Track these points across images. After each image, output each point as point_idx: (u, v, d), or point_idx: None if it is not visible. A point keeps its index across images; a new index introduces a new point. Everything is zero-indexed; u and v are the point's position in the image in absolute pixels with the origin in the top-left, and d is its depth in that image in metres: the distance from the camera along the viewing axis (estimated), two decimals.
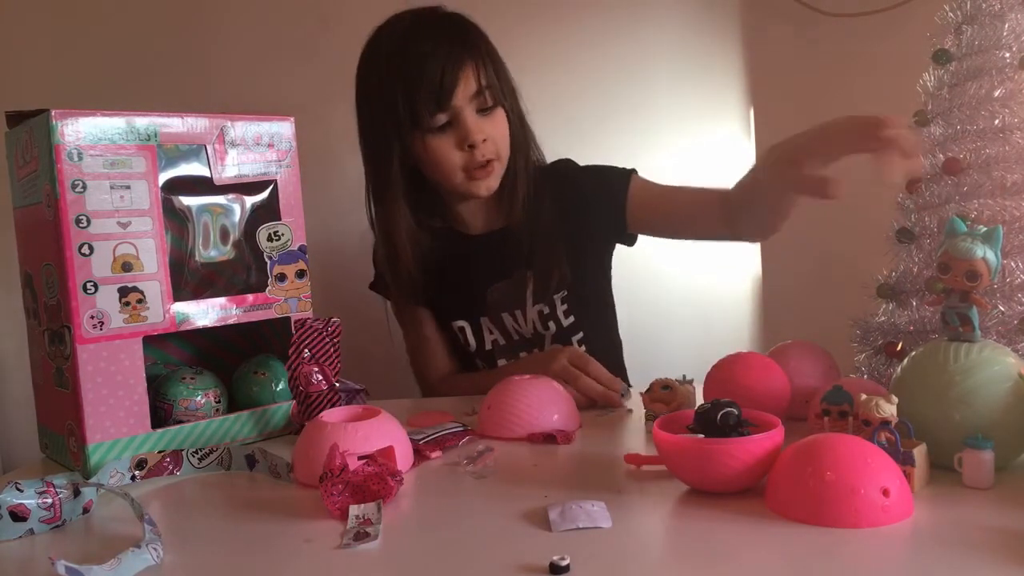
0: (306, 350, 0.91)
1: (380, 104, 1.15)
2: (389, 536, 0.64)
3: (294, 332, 0.92)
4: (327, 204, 1.46)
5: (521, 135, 1.20)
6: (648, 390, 0.94)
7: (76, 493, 0.70)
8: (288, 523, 0.69)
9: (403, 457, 0.78)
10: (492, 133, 1.15)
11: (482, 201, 1.23)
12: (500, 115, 1.16)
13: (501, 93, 1.16)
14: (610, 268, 1.32)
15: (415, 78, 1.10)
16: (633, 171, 1.27)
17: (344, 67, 1.46)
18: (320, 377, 0.91)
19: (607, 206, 1.25)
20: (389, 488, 0.69)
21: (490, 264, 1.22)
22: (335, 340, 0.92)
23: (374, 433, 0.77)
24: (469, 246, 1.27)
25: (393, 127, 1.14)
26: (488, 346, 1.27)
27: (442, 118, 1.12)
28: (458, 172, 1.16)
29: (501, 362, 1.27)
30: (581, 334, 1.27)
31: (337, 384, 0.93)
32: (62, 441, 0.89)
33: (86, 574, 0.55)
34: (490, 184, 1.18)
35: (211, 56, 1.43)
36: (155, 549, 0.61)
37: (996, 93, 0.91)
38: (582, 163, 1.31)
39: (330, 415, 0.82)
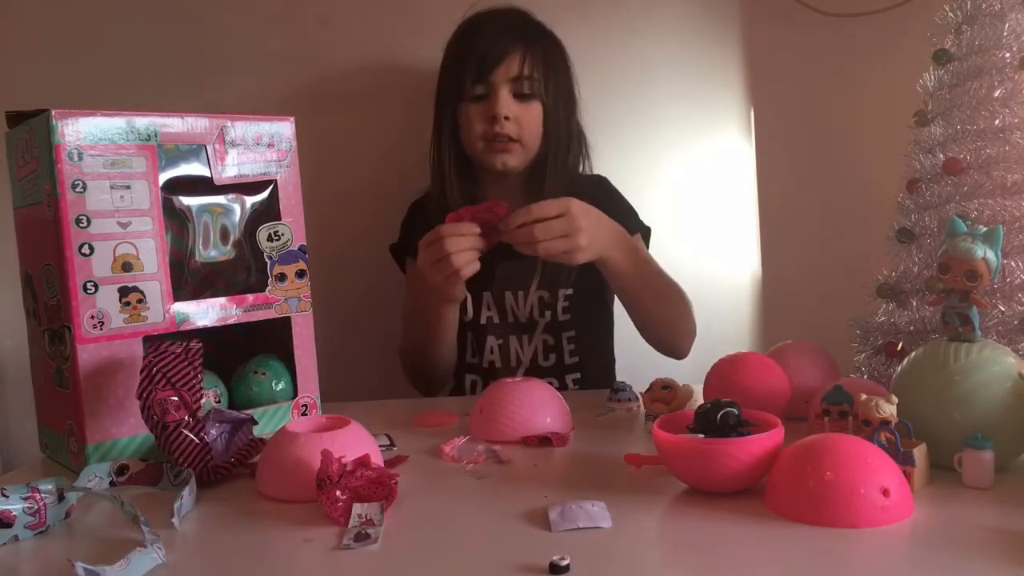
0: (159, 375, 0.79)
1: (443, 74, 1.29)
2: (389, 536, 0.64)
3: (145, 355, 0.82)
4: (327, 204, 1.45)
5: (560, 134, 1.26)
6: (648, 390, 0.94)
7: (60, 498, 0.70)
8: (288, 523, 0.69)
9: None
10: (521, 117, 1.23)
11: (511, 187, 1.28)
12: (535, 107, 1.24)
13: (544, 88, 1.23)
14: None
15: (468, 52, 1.23)
16: (644, 231, 1.31)
17: (344, 67, 1.47)
18: (179, 404, 0.79)
19: None
20: (392, 491, 0.69)
21: (505, 247, 1.22)
22: (195, 364, 0.82)
23: (350, 442, 0.75)
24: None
25: (448, 94, 1.27)
26: (483, 320, 1.29)
27: (479, 89, 1.22)
28: (479, 141, 1.25)
29: (490, 340, 1.29)
30: (573, 332, 1.29)
31: (214, 411, 0.85)
32: (62, 441, 0.89)
33: (101, 574, 0.56)
34: (506, 160, 1.24)
35: (211, 56, 1.43)
36: (159, 549, 0.61)
37: (996, 93, 0.91)
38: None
39: (296, 426, 0.79)
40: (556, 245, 1.01)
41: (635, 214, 1.32)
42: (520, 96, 1.23)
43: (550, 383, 1.26)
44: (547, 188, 1.24)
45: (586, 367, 1.30)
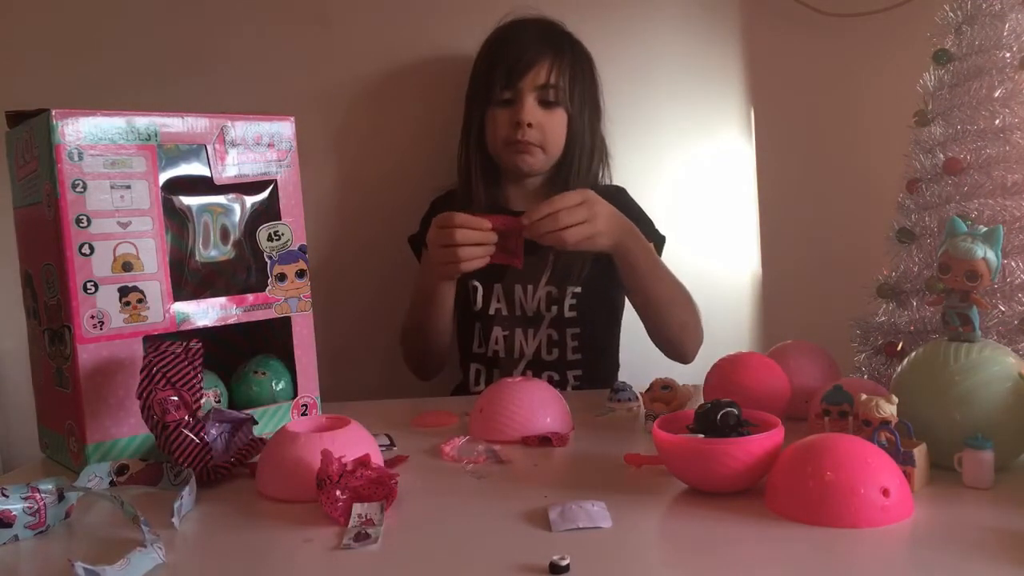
0: (159, 375, 0.79)
1: (473, 78, 1.33)
2: (389, 536, 0.64)
3: (145, 355, 0.82)
4: (327, 204, 1.45)
5: (584, 141, 1.31)
6: (648, 390, 0.94)
7: (60, 498, 0.70)
8: (288, 523, 0.69)
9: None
10: (544, 123, 1.26)
11: (532, 187, 1.32)
12: (559, 114, 1.28)
13: (569, 98, 1.27)
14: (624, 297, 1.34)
15: (499, 58, 1.28)
16: (658, 240, 1.34)
17: (344, 67, 1.46)
18: (179, 404, 0.79)
19: None
20: (392, 491, 0.69)
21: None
22: (195, 364, 0.81)
23: (350, 442, 0.74)
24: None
25: (477, 98, 1.31)
26: (491, 311, 1.32)
27: (507, 94, 1.26)
28: (501, 144, 1.29)
29: (496, 330, 1.30)
30: (578, 329, 1.30)
31: (214, 411, 0.86)
32: (62, 441, 0.89)
33: (101, 574, 0.56)
34: (528, 161, 1.28)
35: (211, 56, 1.43)
36: (159, 549, 0.61)
37: (996, 93, 0.91)
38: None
39: (296, 426, 0.79)
40: (580, 231, 1.05)
41: (651, 223, 1.34)
42: (545, 103, 1.26)
43: (550, 377, 1.29)
44: (569, 188, 1.25)
45: (588, 365, 1.31)
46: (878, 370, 0.98)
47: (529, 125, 1.25)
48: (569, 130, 1.29)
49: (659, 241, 1.34)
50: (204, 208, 0.95)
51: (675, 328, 1.24)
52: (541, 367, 1.30)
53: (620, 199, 1.34)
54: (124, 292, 0.86)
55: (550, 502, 0.68)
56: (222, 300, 0.93)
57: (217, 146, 0.93)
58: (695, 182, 1.53)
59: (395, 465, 0.82)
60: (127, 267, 0.86)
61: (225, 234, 0.97)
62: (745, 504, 0.67)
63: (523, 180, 1.33)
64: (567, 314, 1.29)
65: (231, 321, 0.94)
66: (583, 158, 1.31)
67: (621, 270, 1.17)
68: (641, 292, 1.21)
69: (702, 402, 0.73)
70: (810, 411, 0.82)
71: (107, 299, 0.85)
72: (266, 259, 0.97)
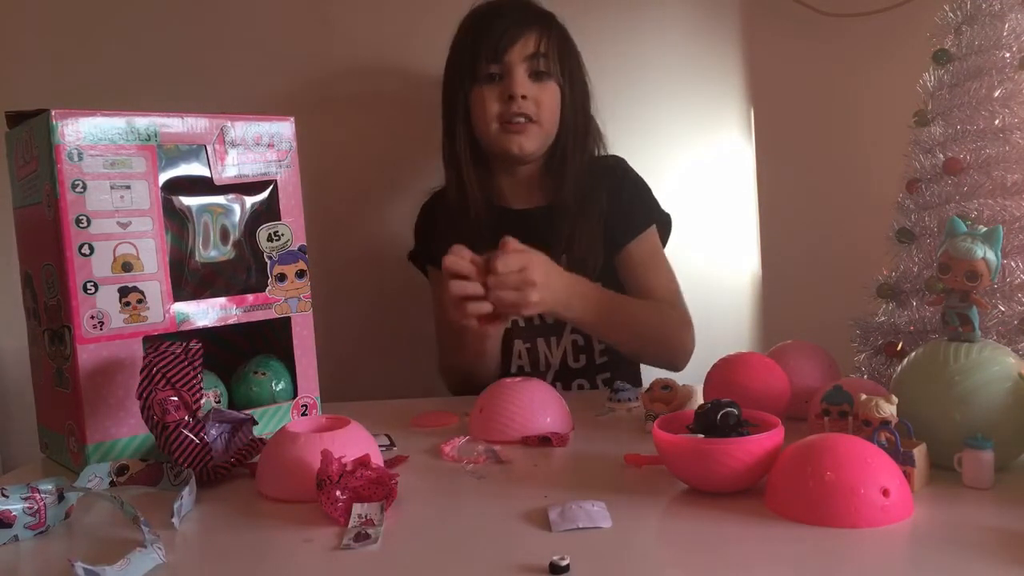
0: (159, 375, 0.79)
1: (453, 59, 1.26)
2: (389, 536, 0.64)
3: (145, 355, 0.82)
4: (327, 204, 1.46)
5: (577, 121, 1.25)
6: (648, 390, 0.94)
7: (60, 498, 0.70)
8: (288, 523, 0.69)
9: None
10: (537, 96, 1.20)
11: (526, 177, 1.27)
12: (552, 87, 1.22)
13: (559, 70, 1.22)
14: None
15: (482, 33, 1.21)
16: (662, 220, 1.30)
17: (344, 67, 1.47)
18: (179, 404, 0.79)
19: (622, 229, 1.25)
20: (392, 491, 0.69)
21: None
22: (195, 364, 0.81)
23: (350, 442, 0.74)
24: (508, 219, 1.25)
25: (459, 79, 1.23)
26: (508, 324, 1.25)
27: (495, 69, 1.20)
28: (493, 122, 1.21)
29: (517, 344, 1.25)
30: None
31: (214, 411, 0.85)
32: (62, 441, 0.89)
33: (101, 574, 0.56)
34: (522, 143, 1.21)
35: (211, 56, 1.43)
36: (159, 549, 0.61)
37: (996, 93, 0.91)
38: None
39: (296, 426, 0.79)
40: (507, 296, 1.01)
41: (653, 202, 1.29)
42: (536, 75, 1.20)
43: (580, 386, 1.25)
44: (567, 178, 1.23)
45: (615, 367, 1.27)
46: (878, 370, 0.98)
47: (523, 97, 1.18)
48: (562, 107, 1.23)
49: (663, 221, 1.29)
50: (204, 208, 0.95)
51: (649, 358, 1.23)
52: (570, 376, 1.25)
53: (621, 171, 1.29)
54: (124, 292, 0.86)
55: (550, 502, 0.68)
56: (222, 300, 0.93)
57: (217, 146, 0.93)
58: (695, 182, 1.53)
59: (395, 465, 0.82)
60: (127, 267, 0.86)
61: (225, 234, 0.97)
62: (745, 504, 0.67)
63: (515, 169, 1.27)
64: None
65: (231, 321, 0.94)
66: (577, 139, 1.25)
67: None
68: (601, 339, 1.19)
69: (702, 402, 0.73)
70: (810, 411, 0.82)
71: (107, 299, 0.85)
72: (266, 259, 0.97)
